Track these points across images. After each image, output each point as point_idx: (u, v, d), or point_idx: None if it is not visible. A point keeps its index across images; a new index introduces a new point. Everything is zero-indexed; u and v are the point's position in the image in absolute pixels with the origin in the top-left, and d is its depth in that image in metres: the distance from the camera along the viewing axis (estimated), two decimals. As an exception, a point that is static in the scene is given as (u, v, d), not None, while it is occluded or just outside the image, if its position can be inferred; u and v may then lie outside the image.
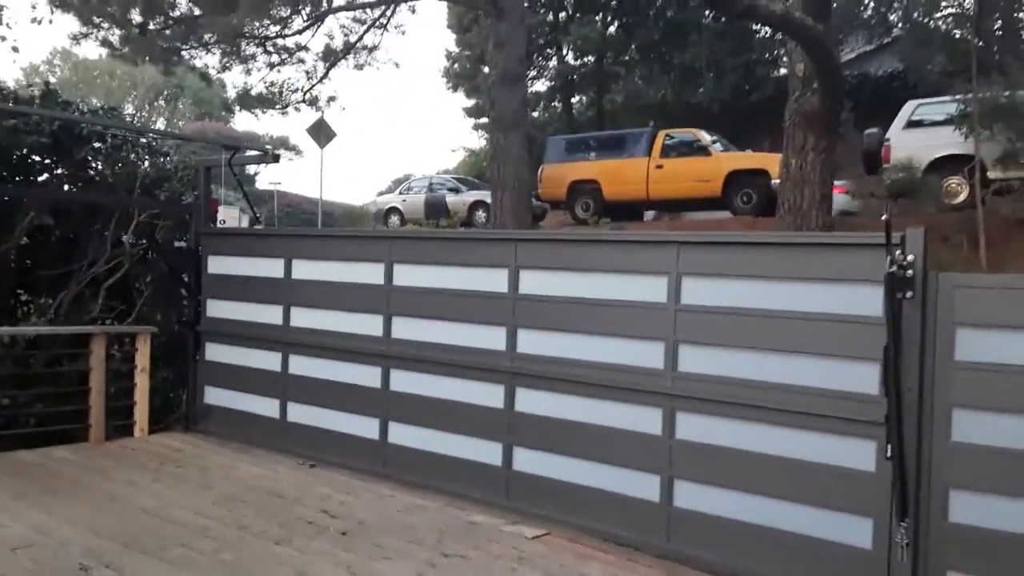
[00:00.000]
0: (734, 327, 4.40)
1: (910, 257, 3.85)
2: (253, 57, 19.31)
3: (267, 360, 6.83)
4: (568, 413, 5.00)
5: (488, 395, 5.38)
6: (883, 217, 3.78)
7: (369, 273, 6.09)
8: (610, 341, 4.86)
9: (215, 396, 7.34)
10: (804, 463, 4.16)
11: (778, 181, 11.43)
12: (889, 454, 3.82)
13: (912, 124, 12.80)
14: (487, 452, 5.38)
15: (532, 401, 5.19)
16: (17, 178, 7.46)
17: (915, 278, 3.85)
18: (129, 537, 4.36)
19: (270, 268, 6.84)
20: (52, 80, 43.86)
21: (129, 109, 45.75)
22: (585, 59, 27.27)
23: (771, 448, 4.26)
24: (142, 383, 7.03)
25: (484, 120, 24.71)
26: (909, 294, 3.86)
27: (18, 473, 5.51)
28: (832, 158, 10.31)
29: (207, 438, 7.01)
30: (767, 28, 20.75)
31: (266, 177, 36.15)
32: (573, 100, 28.77)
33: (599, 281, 4.95)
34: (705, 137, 15.96)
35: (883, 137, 13.03)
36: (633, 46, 25.40)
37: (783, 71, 21.05)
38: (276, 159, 7.67)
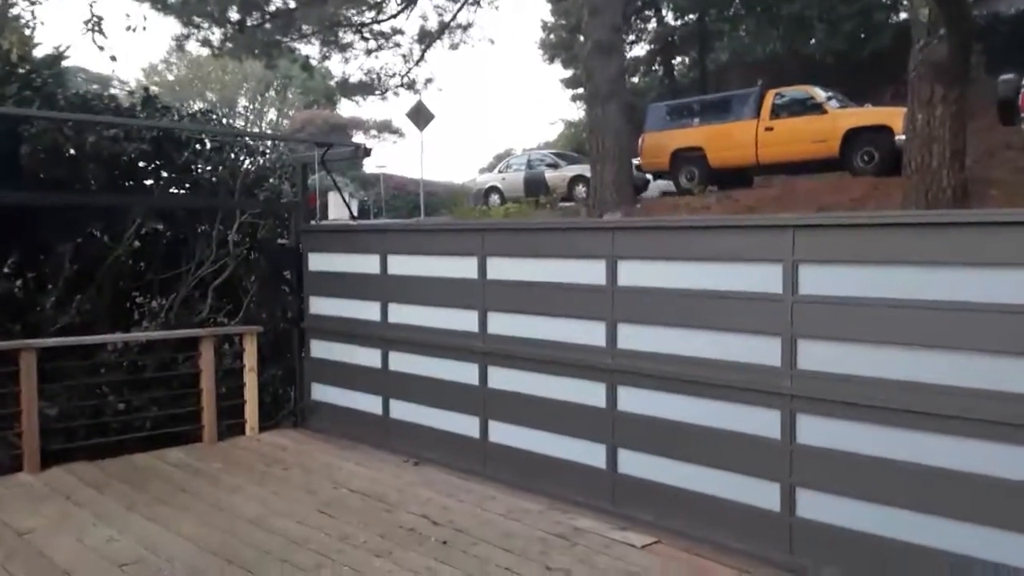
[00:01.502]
0: (858, 319, 3.93)
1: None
2: (351, 45, 19.57)
3: (368, 356, 6.79)
4: (676, 413, 4.66)
5: (589, 393, 5.09)
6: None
7: (462, 267, 5.90)
8: (720, 336, 4.46)
9: (321, 392, 7.39)
10: (950, 472, 3.66)
11: (903, 138, 10.55)
12: None
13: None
14: (590, 453, 5.11)
15: (636, 400, 4.87)
16: (126, 184, 7.69)
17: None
18: (232, 551, 4.36)
19: (367, 264, 6.78)
20: (170, 78, 46.21)
21: (243, 102, 47.69)
22: (686, 18, 26.20)
23: (908, 455, 3.78)
24: (251, 382, 7.14)
25: (581, 91, 24.14)
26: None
27: (131, 480, 5.66)
28: (963, 110, 9.39)
29: (315, 434, 7.06)
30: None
31: (372, 161, 36.96)
32: (674, 62, 27.74)
33: (705, 271, 4.55)
34: (819, 94, 14.96)
35: (1021, 83, 11.80)
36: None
37: (904, 16, 19.45)
38: (368, 153, 7.61)
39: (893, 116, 13.20)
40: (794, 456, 4.17)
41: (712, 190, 15.28)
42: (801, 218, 4.35)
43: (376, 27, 19.20)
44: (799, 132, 14.49)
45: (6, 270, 6.46)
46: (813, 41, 22.19)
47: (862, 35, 21.03)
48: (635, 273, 4.87)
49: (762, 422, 4.27)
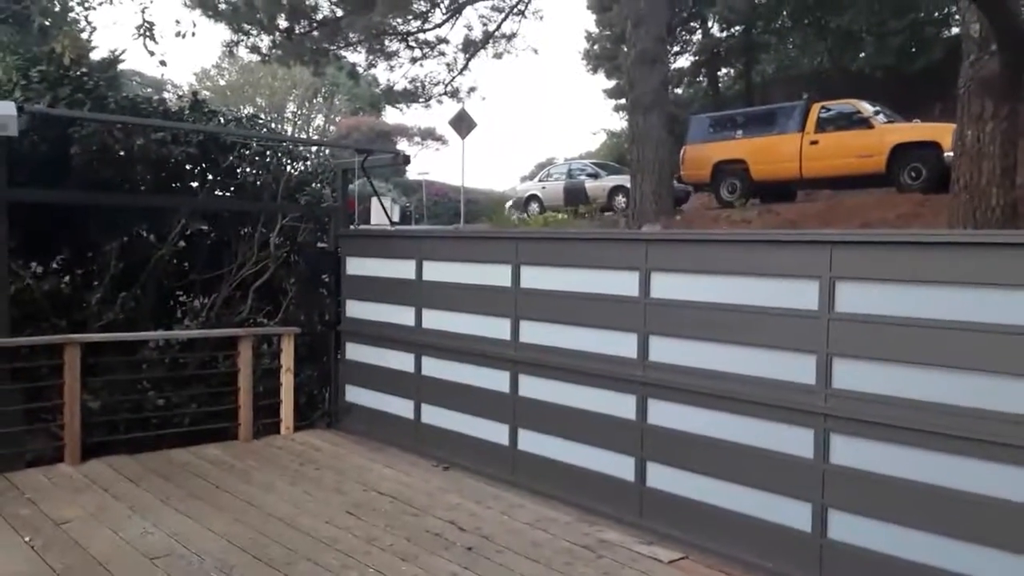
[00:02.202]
0: (897, 339, 3.84)
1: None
2: (396, 53, 19.79)
3: (401, 361, 6.85)
4: (706, 429, 4.61)
5: (619, 405, 5.07)
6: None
7: (496, 275, 5.92)
8: (753, 352, 4.41)
9: (355, 395, 7.47)
10: (988, 499, 3.55)
11: (951, 154, 10.32)
12: None
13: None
14: (619, 465, 5.08)
15: (666, 414, 4.83)
16: (173, 185, 7.87)
17: None
18: (260, 548, 4.42)
19: (402, 269, 6.84)
20: (222, 83, 47.13)
21: (291, 107, 48.45)
22: (732, 30, 25.98)
23: (945, 480, 3.68)
24: (287, 382, 7.25)
25: (624, 101, 24.09)
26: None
27: (167, 474, 5.78)
28: (1015, 127, 9.16)
29: (347, 436, 7.14)
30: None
31: (415, 168, 37.22)
32: (719, 74, 27.51)
33: (740, 285, 4.49)
34: (866, 108, 14.71)
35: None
36: (785, 12, 23.89)
37: (955, 31, 19.06)
38: (407, 161, 7.69)
39: (942, 132, 12.92)
40: (827, 477, 4.10)
41: (754, 204, 15.11)
42: (839, 234, 4.28)
43: (421, 36, 19.41)
44: (845, 146, 14.26)
45: (55, 266, 6.65)
46: (862, 55, 21.83)
47: (912, 49, 20.64)
48: (668, 286, 4.84)
49: (795, 441, 4.20)
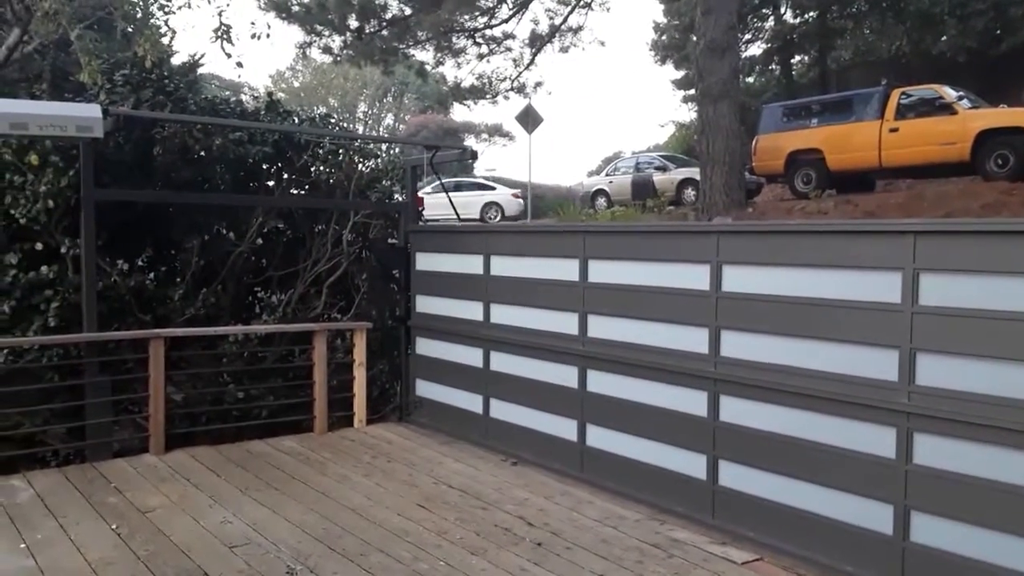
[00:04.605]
0: (985, 334, 3.66)
1: None
2: (464, 50, 19.90)
3: (470, 356, 6.89)
4: (781, 426, 4.49)
5: (690, 402, 4.98)
6: None
7: (564, 269, 5.90)
8: (831, 347, 4.26)
9: (425, 389, 7.55)
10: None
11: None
12: None
13: None
14: (690, 463, 5.00)
15: (739, 411, 4.72)
16: (250, 184, 8.11)
17: None
18: (334, 539, 4.52)
19: (471, 264, 6.88)
20: (296, 85, 48.28)
21: (362, 107, 49.39)
22: (806, 15, 25.23)
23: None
24: (359, 376, 7.38)
25: (693, 91, 23.68)
26: None
27: (248, 465, 5.96)
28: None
29: (418, 429, 7.23)
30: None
31: (483, 164, 37.48)
32: (792, 62, 26.75)
33: (817, 277, 4.36)
34: (949, 93, 14.08)
35: None
36: (862, -5, 23.10)
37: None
38: (474, 156, 7.74)
39: (1031, 117, 12.31)
40: (909, 477, 3.94)
41: (830, 195, 14.65)
42: (923, 223, 4.10)
43: (488, 32, 19.47)
44: (926, 134, 13.68)
45: (140, 263, 6.92)
46: (943, 38, 20.90)
47: (996, 31, 19.65)
48: (741, 279, 4.73)
49: (875, 440, 4.06)
